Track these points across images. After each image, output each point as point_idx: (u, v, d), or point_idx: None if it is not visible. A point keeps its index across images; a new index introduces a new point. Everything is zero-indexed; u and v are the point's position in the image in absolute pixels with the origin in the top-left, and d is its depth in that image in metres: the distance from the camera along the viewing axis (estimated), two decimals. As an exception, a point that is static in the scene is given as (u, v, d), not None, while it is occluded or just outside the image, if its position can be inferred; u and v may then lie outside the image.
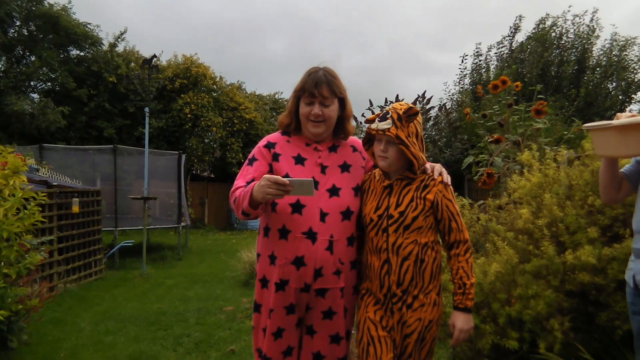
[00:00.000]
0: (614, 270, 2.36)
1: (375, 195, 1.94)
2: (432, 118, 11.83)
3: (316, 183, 1.89)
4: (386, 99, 8.58)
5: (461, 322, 1.85)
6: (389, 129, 1.82)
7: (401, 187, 1.91)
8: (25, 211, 3.46)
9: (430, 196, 1.87)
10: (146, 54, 15.74)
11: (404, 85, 48.35)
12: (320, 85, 1.93)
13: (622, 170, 1.98)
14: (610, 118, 1.81)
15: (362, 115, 9.33)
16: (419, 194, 1.88)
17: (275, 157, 1.98)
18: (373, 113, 5.76)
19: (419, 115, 1.90)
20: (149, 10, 42.32)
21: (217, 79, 17.48)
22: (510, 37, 14.37)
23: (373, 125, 1.88)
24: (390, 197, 1.90)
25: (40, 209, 3.66)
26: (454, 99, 14.89)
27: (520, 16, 14.18)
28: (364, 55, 63.80)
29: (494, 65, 14.37)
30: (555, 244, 2.54)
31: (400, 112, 1.84)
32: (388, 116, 1.85)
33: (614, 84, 13.56)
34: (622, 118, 1.74)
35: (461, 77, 15.06)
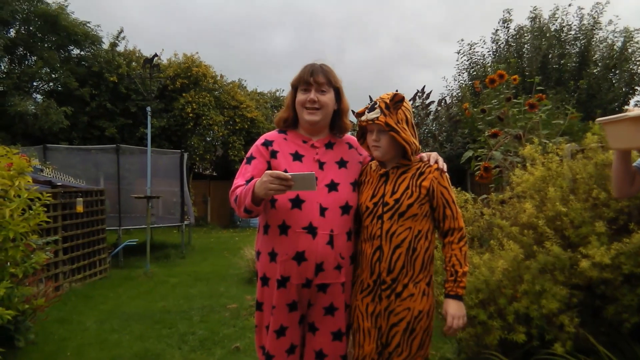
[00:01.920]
0: (625, 265, 2.35)
1: (371, 185, 1.97)
2: (432, 113, 11.80)
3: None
4: (370, 97, 8.60)
5: (453, 308, 1.85)
6: (377, 117, 1.87)
7: (397, 175, 1.93)
8: (31, 211, 3.47)
9: (425, 183, 1.89)
10: (147, 49, 15.81)
11: (409, 79, 48.13)
12: (316, 73, 1.96)
13: (635, 164, 1.99)
14: (613, 110, 1.82)
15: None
16: (415, 181, 1.90)
17: (273, 154, 1.99)
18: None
19: (407, 102, 1.94)
20: (150, 5, 42.30)
21: (218, 78, 17.47)
22: (505, 31, 14.31)
23: (363, 117, 1.93)
24: (386, 185, 1.93)
25: (45, 209, 3.67)
26: (454, 93, 14.87)
27: (509, 10, 14.13)
28: (368, 49, 63.51)
29: (489, 62, 14.33)
30: (560, 237, 2.53)
31: (387, 101, 1.89)
32: (376, 106, 1.90)
33: (617, 76, 13.49)
34: (635, 111, 1.75)
35: (459, 72, 15.05)
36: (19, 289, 3.52)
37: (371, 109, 1.91)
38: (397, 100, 1.89)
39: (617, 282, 2.40)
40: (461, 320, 1.85)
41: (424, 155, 1.98)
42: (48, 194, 3.76)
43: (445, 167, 1.94)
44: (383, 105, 1.88)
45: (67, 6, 14.36)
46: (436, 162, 1.94)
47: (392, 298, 1.89)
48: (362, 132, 2.01)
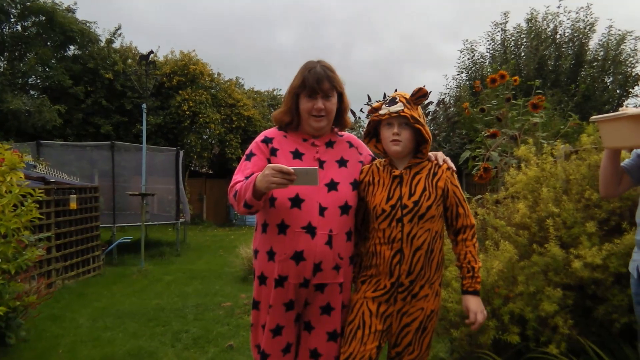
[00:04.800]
0: (614, 264, 2.36)
1: (384, 186, 1.93)
2: (430, 113, 11.84)
3: None
4: (384, 94, 8.60)
5: (474, 304, 1.86)
6: (402, 109, 1.85)
7: (411, 176, 1.91)
8: (23, 208, 3.45)
9: (441, 184, 1.89)
10: (150, 44, 15.80)
11: (415, 78, 47.70)
12: (321, 81, 1.92)
13: (622, 164, 1.99)
14: (608, 112, 1.82)
15: (361, 110, 9.32)
16: (431, 182, 1.89)
17: (273, 152, 1.97)
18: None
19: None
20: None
21: (215, 76, 17.44)
22: (502, 32, 14.36)
23: (382, 111, 1.89)
24: (401, 187, 1.90)
25: (38, 205, 3.64)
26: (452, 93, 14.92)
27: (506, 13, 14.19)
28: (375, 48, 63.00)
29: (488, 61, 14.39)
30: (554, 237, 2.54)
31: (408, 96, 1.88)
32: (397, 100, 1.88)
33: (611, 78, 13.58)
34: (633, 109, 1.75)
35: (459, 72, 15.11)
36: (10, 286, 3.50)
37: (391, 102, 1.88)
38: (420, 95, 1.88)
39: (607, 282, 2.42)
40: (483, 314, 1.87)
41: (431, 154, 1.97)
42: (41, 190, 3.73)
43: (454, 166, 1.95)
44: (404, 100, 1.87)
45: (76, 9, 14.33)
46: (445, 161, 1.94)
47: (407, 299, 1.89)
48: (370, 130, 1.99)
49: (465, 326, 2.60)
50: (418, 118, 1.86)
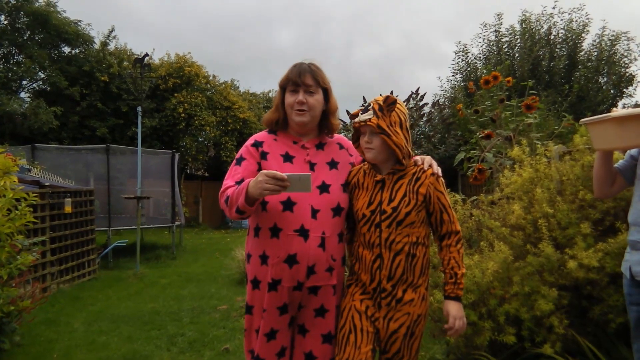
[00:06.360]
0: (609, 265, 2.37)
1: (367, 191, 1.94)
2: (425, 114, 11.87)
3: None
4: (380, 94, 8.60)
5: (454, 310, 1.87)
6: (370, 119, 1.85)
7: (393, 182, 1.91)
8: (17, 212, 3.43)
9: (422, 190, 1.88)
10: (145, 44, 15.77)
11: (415, 77, 47.55)
12: (304, 74, 1.94)
13: (616, 165, 2.00)
14: (602, 112, 1.83)
15: (356, 111, 9.33)
16: (412, 187, 1.88)
17: (264, 155, 1.97)
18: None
19: (401, 105, 1.91)
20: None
21: (211, 78, 17.41)
22: (497, 36, 14.42)
23: (356, 119, 1.91)
24: (382, 192, 1.90)
25: (32, 209, 3.62)
26: (447, 95, 14.96)
27: (500, 14, 14.26)
28: (375, 47, 62.76)
29: (481, 63, 14.45)
30: (548, 238, 2.55)
31: (381, 102, 1.88)
32: (369, 108, 1.89)
33: (605, 78, 13.66)
34: (619, 111, 1.76)
35: (454, 73, 15.15)
36: (4, 290, 3.48)
37: (365, 110, 1.89)
38: (389, 103, 1.87)
39: (603, 282, 2.42)
40: (462, 321, 1.87)
41: (418, 158, 1.96)
42: (35, 194, 3.71)
43: (440, 172, 1.93)
44: (377, 107, 1.86)
45: (56, 3, 14.22)
46: (430, 166, 1.93)
47: (392, 304, 1.89)
48: (357, 135, 1.99)
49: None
50: (385, 127, 1.83)
